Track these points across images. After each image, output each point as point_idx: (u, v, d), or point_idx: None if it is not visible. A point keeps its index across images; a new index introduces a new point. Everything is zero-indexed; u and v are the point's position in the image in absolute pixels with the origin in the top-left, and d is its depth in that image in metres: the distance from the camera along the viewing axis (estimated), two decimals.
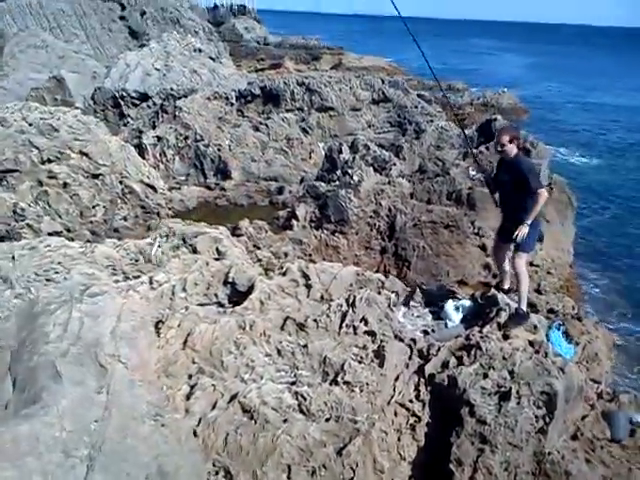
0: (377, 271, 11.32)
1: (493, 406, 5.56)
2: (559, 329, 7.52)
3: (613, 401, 6.53)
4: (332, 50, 55.07)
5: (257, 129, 17.38)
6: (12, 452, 3.58)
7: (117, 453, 4.02)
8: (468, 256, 11.49)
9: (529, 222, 6.07)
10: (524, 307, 6.49)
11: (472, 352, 6.03)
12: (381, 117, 20.76)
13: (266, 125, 17.43)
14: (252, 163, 15.97)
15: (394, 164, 13.62)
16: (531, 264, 11.12)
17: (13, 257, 7.51)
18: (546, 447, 5.39)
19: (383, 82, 21.42)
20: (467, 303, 7.02)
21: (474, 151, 5.21)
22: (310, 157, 17.56)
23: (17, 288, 7.07)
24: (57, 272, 7.54)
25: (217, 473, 4.97)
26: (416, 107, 20.96)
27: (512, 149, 6.22)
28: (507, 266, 7.01)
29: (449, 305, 7.08)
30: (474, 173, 7.00)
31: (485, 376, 5.75)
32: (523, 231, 6.06)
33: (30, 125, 13.57)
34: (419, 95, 22.36)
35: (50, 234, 9.26)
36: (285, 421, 5.21)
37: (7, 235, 9.34)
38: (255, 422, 5.17)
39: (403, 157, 16.53)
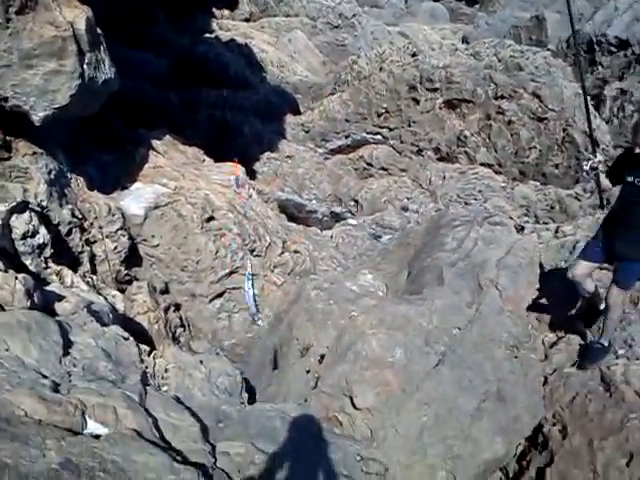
0: None
1: None
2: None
3: None
4: None
5: None
6: (388, 323, 4.45)
7: (465, 361, 4.53)
8: None
9: None
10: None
11: None
12: None
13: None
14: None
15: None
16: None
17: (444, 177, 8.56)
18: None
19: None
20: None
21: None
22: None
23: (439, 203, 8.12)
24: (476, 199, 8.31)
25: (554, 425, 5.05)
26: None
27: None
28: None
29: None
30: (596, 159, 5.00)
31: None
32: None
33: (499, 61, 14.43)
34: None
35: (482, 164, 10.01)
36: None
37: (446, 157, 10.50)
38: (610, 396, 4.97)
39: None
